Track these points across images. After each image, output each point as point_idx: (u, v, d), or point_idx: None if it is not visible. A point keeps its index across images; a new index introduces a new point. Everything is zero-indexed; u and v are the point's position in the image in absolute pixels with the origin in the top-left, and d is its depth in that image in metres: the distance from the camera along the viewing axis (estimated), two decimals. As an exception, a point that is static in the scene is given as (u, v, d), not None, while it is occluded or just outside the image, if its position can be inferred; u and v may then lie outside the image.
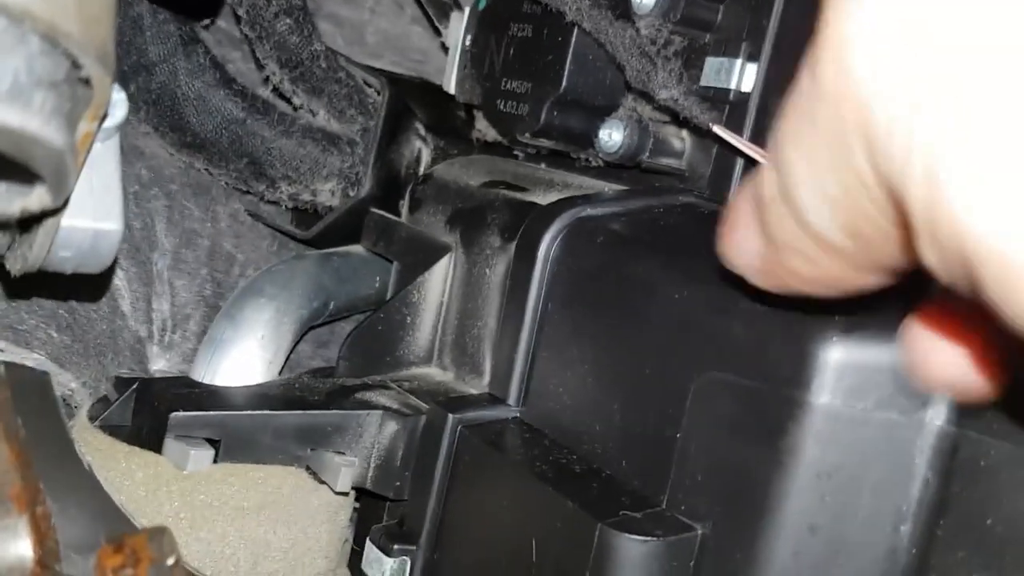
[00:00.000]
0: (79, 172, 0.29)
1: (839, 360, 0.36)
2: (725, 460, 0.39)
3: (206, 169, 0.64)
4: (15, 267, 0.33)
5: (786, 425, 0.37)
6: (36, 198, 0.26)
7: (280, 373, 0.56)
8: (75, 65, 0.25)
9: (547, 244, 0.49)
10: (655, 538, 0.40)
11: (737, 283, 0.32)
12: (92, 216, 0.33)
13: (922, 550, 0.36)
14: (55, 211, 0.29)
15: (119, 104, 0.33)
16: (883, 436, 0.36)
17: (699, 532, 0.40)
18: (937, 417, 0.36)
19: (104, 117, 0.30)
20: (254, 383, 0.53)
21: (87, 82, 0.26)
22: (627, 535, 0.40)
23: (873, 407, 0.36)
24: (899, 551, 0.37)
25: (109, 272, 0.35)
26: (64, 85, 0.24)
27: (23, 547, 0.29)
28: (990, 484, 0.35)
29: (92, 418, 0.51)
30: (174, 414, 0.48)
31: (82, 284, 0.36)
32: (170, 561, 0.32)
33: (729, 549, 0.39)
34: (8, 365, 0.47)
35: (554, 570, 0.42)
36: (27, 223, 0.29)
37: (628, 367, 0.44)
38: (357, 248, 0.64)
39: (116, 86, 0.32)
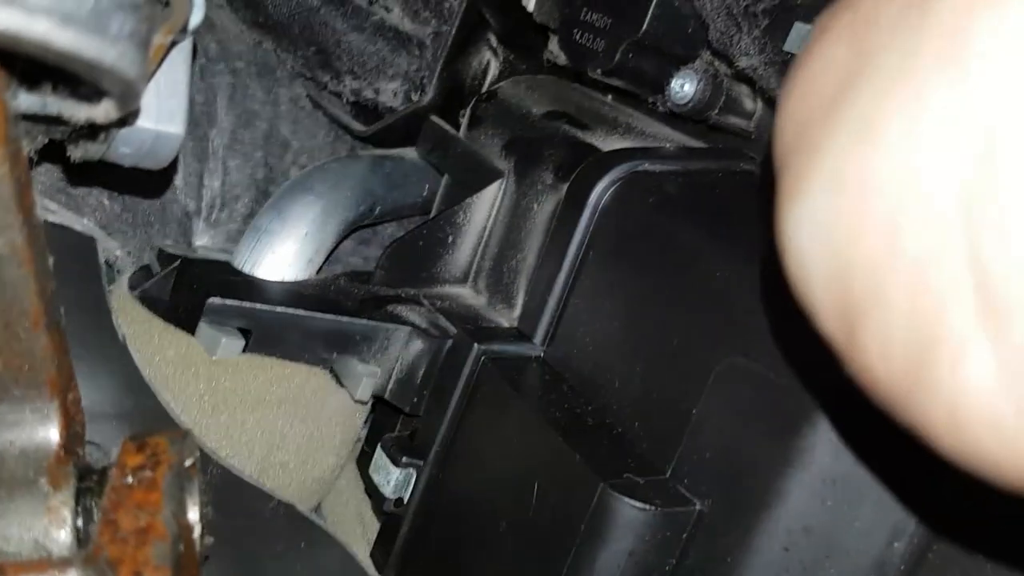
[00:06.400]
0: (148, 81, 0.29)
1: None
2: (736, 446, 0.40)
3: (274, 51, 0.63)
4: (75, 155, 0.34)
5: (802, 427, 0.37)
6: (102, 111, 0.26)
7: (319, 270, 0.57)
8: (157, -13, 0.25)
9: (599, 193, 0.49)
10: (654, 507, 0.41)
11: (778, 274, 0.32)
12: (155, 118, 0.33)
13: (910, 569, 0.37)
14: (120, 121, 0.29)
15: (196, 9, 0.33)
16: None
17: (697, 508, 0.41)
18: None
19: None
20: (293, 279, 0.54)
21: (167, 3, 0.26)
22: (627, 499, 0.41)
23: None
24: (888, 566, 0.37)
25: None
26: (145, 7, 0.24)
27: (51, 430, 0.31)
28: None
29: (132, 287, 0.52)
30: (211, 300, 0.49)
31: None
32: (188, 463, 0.33)
33: (723, 531, 0.40)
34: (56, 227, 0.48)
35: (551, 517, 0.44)
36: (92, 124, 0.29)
37: (657, 333, 0.45)
38: (411, 153, 0.64)
39: (194, -10, 0.32)
